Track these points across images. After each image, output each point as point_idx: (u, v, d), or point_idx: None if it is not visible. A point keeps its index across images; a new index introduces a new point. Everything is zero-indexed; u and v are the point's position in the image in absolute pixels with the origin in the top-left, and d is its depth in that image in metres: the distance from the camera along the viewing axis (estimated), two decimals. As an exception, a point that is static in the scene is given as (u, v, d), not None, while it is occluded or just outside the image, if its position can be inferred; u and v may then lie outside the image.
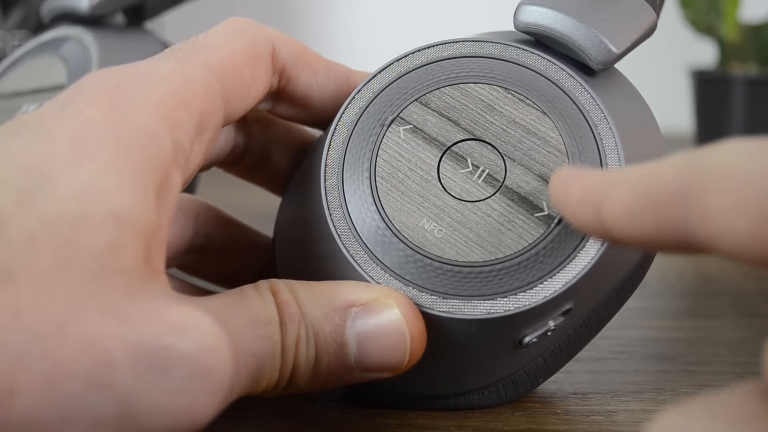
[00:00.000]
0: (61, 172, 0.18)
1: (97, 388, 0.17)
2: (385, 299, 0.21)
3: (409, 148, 0.23)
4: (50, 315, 0.17)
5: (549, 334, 0.22)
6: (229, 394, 0.19)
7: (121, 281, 0.18)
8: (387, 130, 0.23)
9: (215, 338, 0.18)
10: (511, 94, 0.23)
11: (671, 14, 0.54)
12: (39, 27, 0.57)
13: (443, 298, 0.22)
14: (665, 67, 0.72)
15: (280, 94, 0.25)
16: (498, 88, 0.23)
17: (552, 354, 0.24)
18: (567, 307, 0.22)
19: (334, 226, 0.23)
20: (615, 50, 0.23)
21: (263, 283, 0.21)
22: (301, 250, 0.24)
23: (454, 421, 0.23)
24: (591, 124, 0.23)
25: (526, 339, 0.22)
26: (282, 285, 0.21)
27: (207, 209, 0.27)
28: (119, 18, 0.34)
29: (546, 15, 0.23)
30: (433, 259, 0.22)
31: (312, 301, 0.21)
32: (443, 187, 0.23)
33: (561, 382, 0.25)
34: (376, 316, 0.21)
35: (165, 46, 0.32)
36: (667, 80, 0.71)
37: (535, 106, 0.23)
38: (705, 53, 0.63)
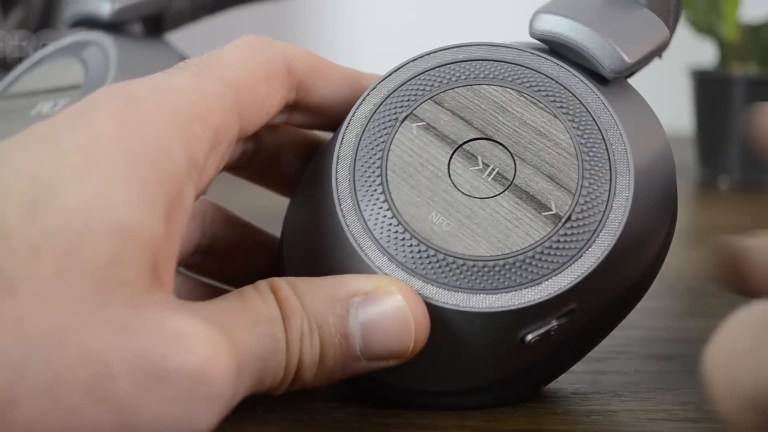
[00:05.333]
0: (68, 183, 0.18)
1: (97, 398, 0.17)
2: (386, 287, 0.22)
3: (421, 144, 0.23)
4: (51, 325, 0.17)
5: (552, 333, 0.22)
6: (230, 400, 0.19)
7: (123, 293, 0.18)
8: (400, 126, 0.23)
9: (213, 346, 0.18)
10: (524, 96, 0.24)
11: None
12: (39, 27, 0.57)
13: (448, 291, 0.22)
14: (665, 67, 0.72)
15: (296, 106, 0.25)
16: (511, 91, 0.24)
17: (555, 356, 0.24)
18: (571, 307, 0.22)
19: (344, 216, 0.23)
20: (628, 60, 0.24)
21: (262, 283, 0.21)
22: (310, 242, 0.24)
23: (454, 421, 0.23)
24: (601, 129, 0.23)
25: (529, 336, 0.22)
26: (281, 282, 0.21)
27: (214, 210, 0.27)
28: (138, 28, 0.35)
29: (561, 23, 0.24)
30: (440, 252, 0.22)
31: (313, 295, 0.21)
32: (453, 183, 0.23)
33: (561, 382, 0.25)
34: (379, 304, 0.21)
35: (182, 58, 0.32)
36: (667, 80, 0.71)
37: (547, 110, 0.23)
38: (705, 53, 0.63)
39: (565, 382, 0.26)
